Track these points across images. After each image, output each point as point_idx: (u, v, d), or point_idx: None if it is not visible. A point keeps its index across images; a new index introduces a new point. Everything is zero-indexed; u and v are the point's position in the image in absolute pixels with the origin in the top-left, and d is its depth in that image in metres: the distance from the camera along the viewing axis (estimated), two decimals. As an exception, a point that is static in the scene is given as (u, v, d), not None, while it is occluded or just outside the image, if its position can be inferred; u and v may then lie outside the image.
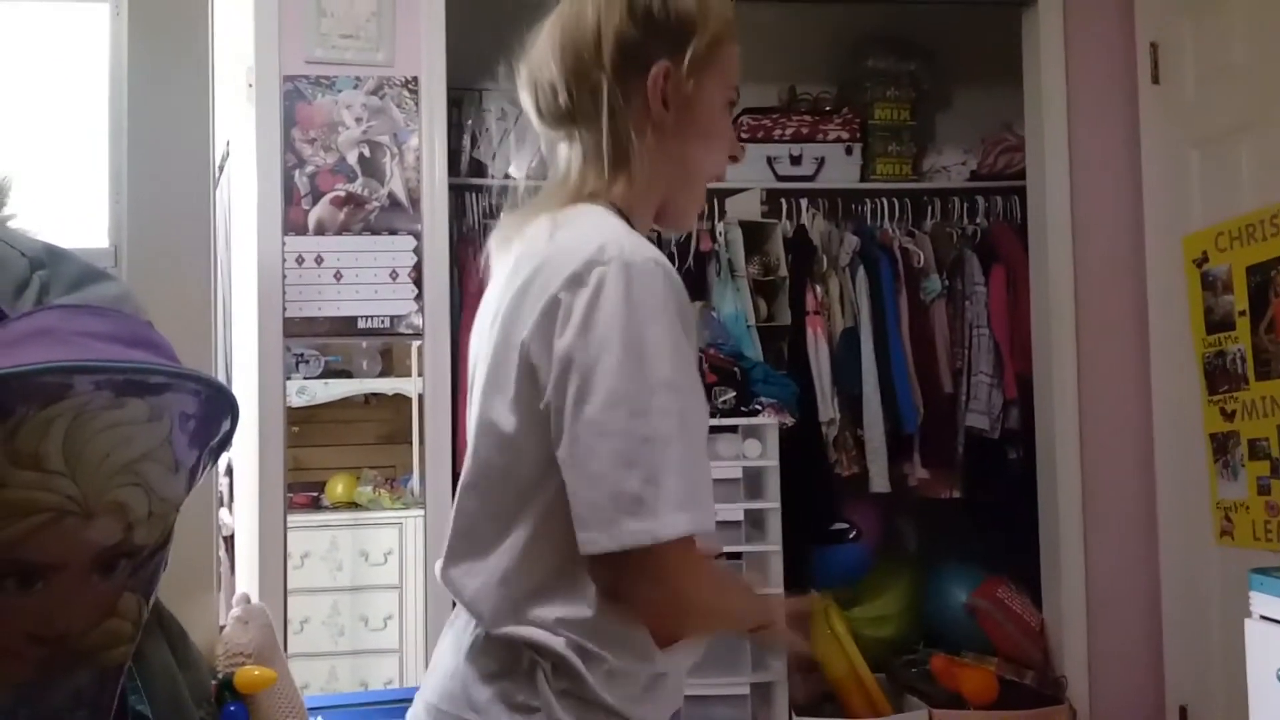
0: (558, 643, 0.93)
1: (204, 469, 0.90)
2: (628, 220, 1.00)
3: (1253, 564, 1.75)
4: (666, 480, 0.87)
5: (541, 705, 0.93)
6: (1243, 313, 2.43)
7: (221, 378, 3.01)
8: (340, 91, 2.70)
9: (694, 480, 0.89)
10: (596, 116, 1.00)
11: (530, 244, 0.98)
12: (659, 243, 3.30)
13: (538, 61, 1.04)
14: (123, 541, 0.83)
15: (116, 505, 0.82)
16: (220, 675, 1.44)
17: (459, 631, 1.02)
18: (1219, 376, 2.51)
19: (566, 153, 1.04)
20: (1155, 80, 2.78)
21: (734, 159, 1.09)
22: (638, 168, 1.00)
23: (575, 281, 0.90)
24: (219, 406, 0.88)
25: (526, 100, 1.06)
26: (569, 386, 0.89)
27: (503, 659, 0.96)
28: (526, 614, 0.95)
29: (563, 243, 0.94)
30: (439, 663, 1.03)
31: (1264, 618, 1.63)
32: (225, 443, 0.91)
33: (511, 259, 1.00)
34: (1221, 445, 2.51)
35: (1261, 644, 1.62)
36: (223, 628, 1.61)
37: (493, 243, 1.06)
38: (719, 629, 1.07)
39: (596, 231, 0.94)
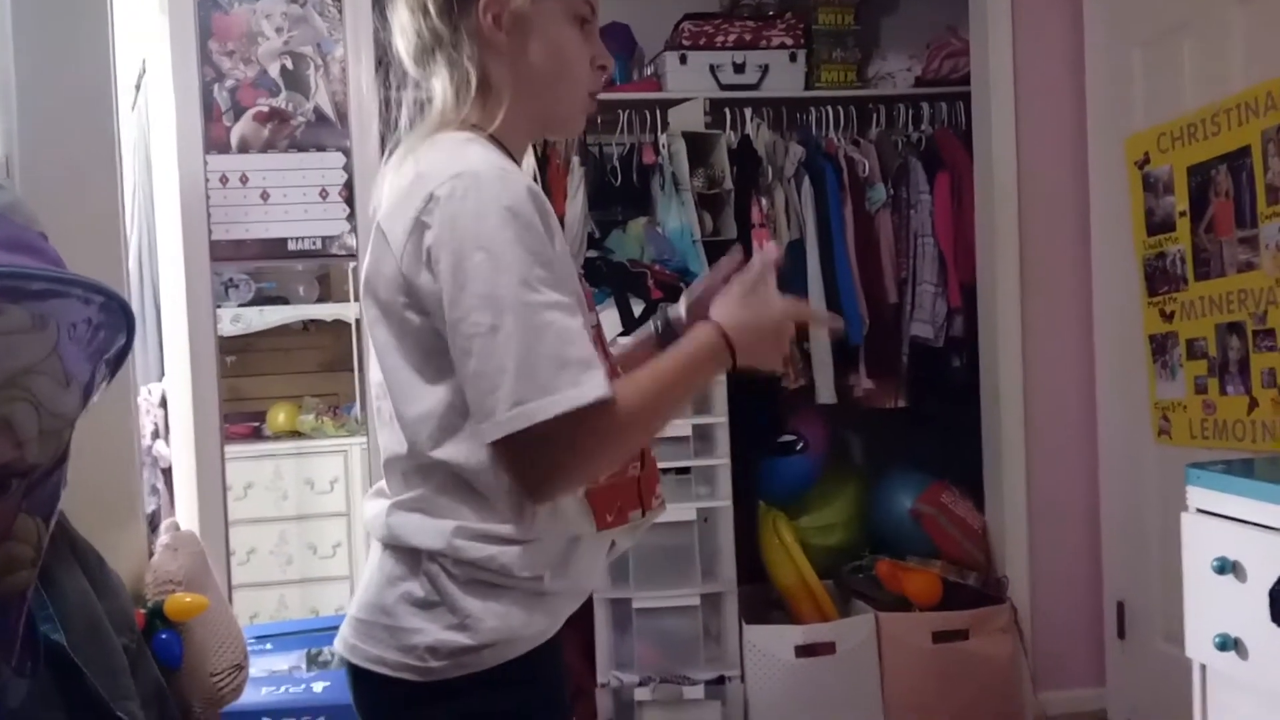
0: (443, 540, 1.01)
1: (100, 384, 0.84)
2: (498, 141, 1.07)
3: (1189, 461, 1.77)
4: (533, 365, 0.94)
5: (443, 599, 1.01)
6: (1183, 213, 2.43)
7: (150, 306, 2.91)
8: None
9: (563, 360, 0.95)
10: (445, 50, 1.08)
11: (395, 179, 1.06)
12: (601, 155, 3.24)
13: (397, 10, 1.11)
14: (13, 460, 0.78)
15: (4, 421, 0.76)
16: (150, 603, 1.39)
17: (373, 551, 1.10)
18: (1159, 278, 2.53)
19: (435, 88, 1.10)
20: (1099, -21, 2.73)
21: (602, 68, 1.13)
22: (491, 91, 1.08)
23: (431, 201, 0.98)
24: (112, 315, 0.81)
25: (399, 48, 1.12)
26: (445, 299, 0.97)
27: (407, 562, 1.04)
28: (406, 515, 1.04)
29: (420, 171, 1.02)
30: (360, 584, 1.11)
31: (1200, 510, 1.65)
32: (123, 355, 0.85)
33: (384, 193, 1.07)
34: (1160, 346, 2.54)
35: (1198, 536, 1.65)
36: (153, 555, 1.56)
37: (382, 176, 1.11)
38: (672, 408, 1.06)
39: (446, 155, 1.02)
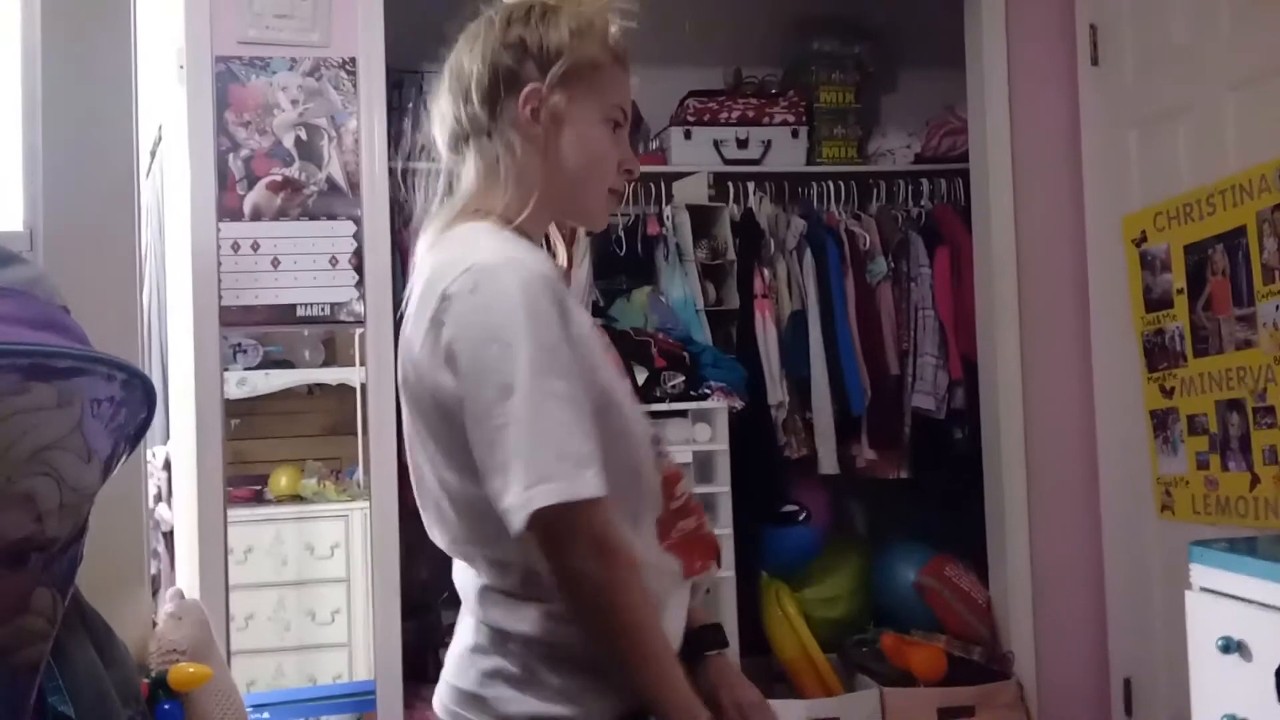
0: (523, 624, 1.05)
1: (120, 458, 0.85)
2: (520, 228, 1.10)
3: (1193, 537, 1.78)
4: (535, 453, 0.97)
5: (523, 673, 1.05)
6: (1181, 291, 2.46)
7: (157, 369, 2.93)
8: (275, 73, 2.62)
9: (566, 451, 0.98)
10: (480, 137, 1.12)
11: (418, 269, 1.11)
12: (605, 230, 3.28)
13: (439, 98, 1.16)
14: (33, 534, 0.79)
15: (25, 496, 0.77)
16: (153, 673, 1.39)
17: (465, 615, 1.14)
18: (1158, 354, 2.55)
19: (466, 172, 1.14)
20: (1095, 62, 2.80)
21: (628, 173, 1.16)
22: (518, 181, 1.10)
23: (445, 301, 1.02)
24: (134, 392, 0.83)
25: (436, 134, 1.17)
26: (466, 393, 1.00)
27: (493, 640, 1.09)
28: (495, 599, 1.08)
29: (438, 266, 1.06)
30: (453, 644, 1.15)
31: (1204, 589, 1.66)
32: (142, 430, 0.86)
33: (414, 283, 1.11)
34: (1161, 421, 2.55)
35: (1202, 615, 1.64)
36: (156, 624, 1.56)
37: (414, 259, 1.16)
38: (633, 642, 1.00)
39: (459, 249, 1.06)
